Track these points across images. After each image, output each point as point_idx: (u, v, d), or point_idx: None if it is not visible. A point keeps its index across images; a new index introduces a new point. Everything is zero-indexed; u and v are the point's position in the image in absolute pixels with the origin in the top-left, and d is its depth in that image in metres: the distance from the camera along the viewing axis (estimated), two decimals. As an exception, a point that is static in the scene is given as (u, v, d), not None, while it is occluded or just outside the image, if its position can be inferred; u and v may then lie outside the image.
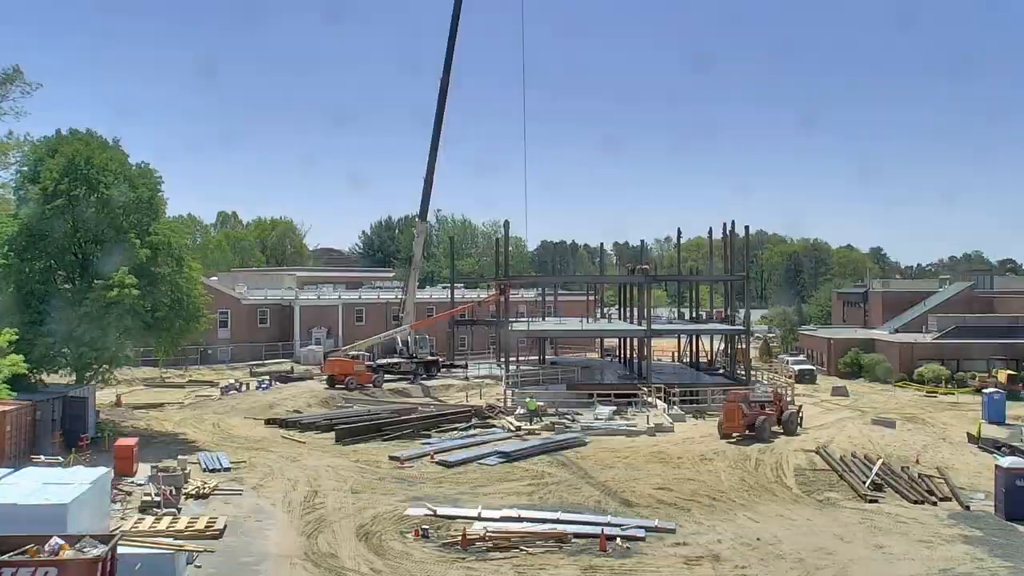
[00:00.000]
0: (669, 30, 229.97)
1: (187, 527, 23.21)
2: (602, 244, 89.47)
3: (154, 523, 23.52)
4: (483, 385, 54.95)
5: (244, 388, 53.40)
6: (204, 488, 28.19)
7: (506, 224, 51.65)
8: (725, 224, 60.63)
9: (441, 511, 25.87)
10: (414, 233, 65.54)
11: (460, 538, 22.86)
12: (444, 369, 63.85)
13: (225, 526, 23.73)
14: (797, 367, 63.26)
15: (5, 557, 16.23)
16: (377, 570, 20.98)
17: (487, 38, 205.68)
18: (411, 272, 63.05)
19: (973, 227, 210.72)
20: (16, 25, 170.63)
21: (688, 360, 63.57)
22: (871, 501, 28.20)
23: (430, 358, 63.17)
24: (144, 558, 18.69)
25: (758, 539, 23.74)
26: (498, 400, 48.53)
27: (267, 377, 56.71)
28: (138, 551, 18.84)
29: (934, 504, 27.84)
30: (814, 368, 65.08)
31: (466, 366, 65.77)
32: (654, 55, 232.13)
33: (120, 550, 17.57)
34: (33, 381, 36.23)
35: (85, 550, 16.57)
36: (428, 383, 57.93)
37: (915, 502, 28.03)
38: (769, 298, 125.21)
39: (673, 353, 70.05)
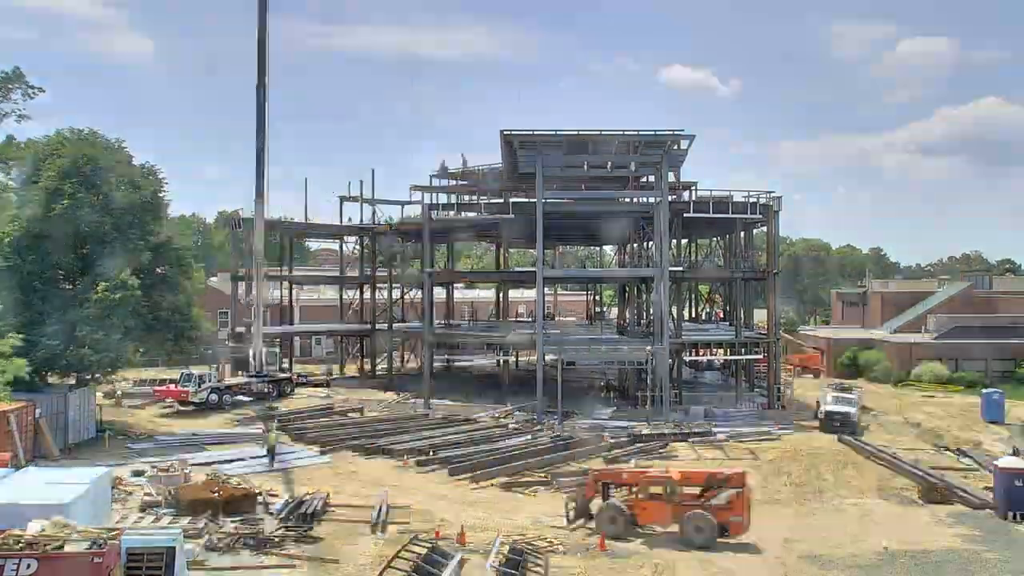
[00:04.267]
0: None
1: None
2: (601, 246, 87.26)
3: None
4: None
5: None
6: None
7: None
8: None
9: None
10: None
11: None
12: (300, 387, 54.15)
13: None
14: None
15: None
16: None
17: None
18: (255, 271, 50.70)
19: (972, 227, 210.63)
20: (17, 24, 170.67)
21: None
22: None
23: (281, 375, 52.88)
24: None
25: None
26: None
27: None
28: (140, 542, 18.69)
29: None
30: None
31: (327, 384, 56.25)
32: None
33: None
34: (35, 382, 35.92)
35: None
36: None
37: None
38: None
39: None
